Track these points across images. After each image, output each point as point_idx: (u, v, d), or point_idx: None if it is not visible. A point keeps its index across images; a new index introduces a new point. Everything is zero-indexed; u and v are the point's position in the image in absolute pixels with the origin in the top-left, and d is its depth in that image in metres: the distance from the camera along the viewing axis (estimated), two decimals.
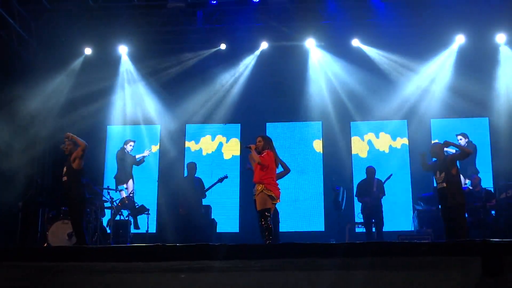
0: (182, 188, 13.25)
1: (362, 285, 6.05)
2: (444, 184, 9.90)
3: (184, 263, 6.13)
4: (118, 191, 14.16)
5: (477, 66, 14.11)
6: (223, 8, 14.11)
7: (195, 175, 13.19)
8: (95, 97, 14.75)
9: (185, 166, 13.92)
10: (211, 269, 6.13)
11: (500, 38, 13.97)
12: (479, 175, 13.53)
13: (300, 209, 14.54)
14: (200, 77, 14.92)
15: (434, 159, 10.31)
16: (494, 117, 14.42)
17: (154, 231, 14.16)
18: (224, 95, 15.10)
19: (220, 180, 12.98)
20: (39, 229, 13.26)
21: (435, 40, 14.13)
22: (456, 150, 11.01)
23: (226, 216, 14.25)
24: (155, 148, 15.39)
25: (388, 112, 14.71)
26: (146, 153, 15.27)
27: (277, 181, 9.13)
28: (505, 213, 12.33)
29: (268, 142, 9.27)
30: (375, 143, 14.97)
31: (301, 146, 15.12)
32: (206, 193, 13.08)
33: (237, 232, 14.45)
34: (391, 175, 12.82)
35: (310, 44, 14.47)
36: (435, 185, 10.83)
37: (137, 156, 15.31)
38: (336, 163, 14.65)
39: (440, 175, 9.94)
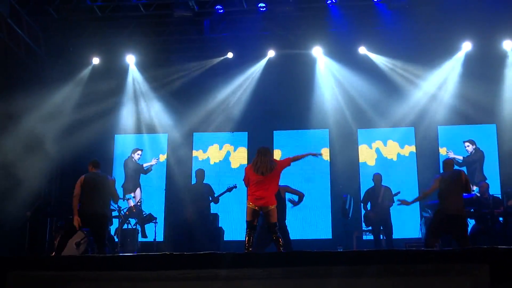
0: (190, 195, 13.26)
1: None
2: None
3: (191, 271, 6.15)
4: (125, 200, 14.19)
5: (484, 72, 14.09)
6: (230, 17, 14.15)
7: (204, 182, 13.22)
8: (103, 106, 14.79)
9: (193, 174, 13.95)
10: (218, 277, 6.15)
11: (507, 44, 13.96)
12: (486, 181, 13.46)
13: (307, 217, 14.48)
14: (207, 85, 14.95)
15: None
16: (501, 124, 14.36)
17: (162, 240, 14.16)
18: (232, 103, 15.12)
19: (229, 189, 12.93)
20: (47, 239, 13.31)
21: (442, 47, 14.14)
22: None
23: (234, 224, 14.23)
24: (162, 157, 15.41)
25: (396, 120, 14.68)
26: (153, 162, 15.29)
27: (253, 189, 8.87)
28: None
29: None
30: (383, 151, 14.93)
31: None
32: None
33: (244, 240, 14.39)
34: (398, 192, 12.76)
35: (317, 52, 14.50)
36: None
37: (144, 165, 15.34)
38: (343, 171, 14.59)
39: None
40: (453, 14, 13.53)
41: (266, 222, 9.10)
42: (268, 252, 8.79)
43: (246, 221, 8.96)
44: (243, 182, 9.08)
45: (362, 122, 14.82)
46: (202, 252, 6.46)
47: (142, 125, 15.38)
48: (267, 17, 13.92)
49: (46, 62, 14.47)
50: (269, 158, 8.94)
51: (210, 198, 13.06)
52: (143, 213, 13.39)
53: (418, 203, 13.97)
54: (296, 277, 6.14)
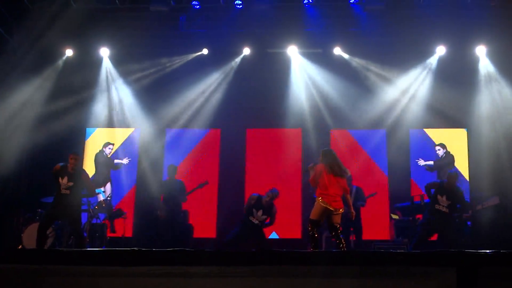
0: (162, 191, 13.18)
1: None
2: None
3: (160, 268, 6.12)
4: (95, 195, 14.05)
5: (456, 77, 14.21)
6: (206, 13, 14.12)
7: (176, 178, 13.14)
8: (75, 99, 14.64)
9: (165, 170, 13.86)
10: (187, 274, 6.11)
11: (480, 50, 14.11)
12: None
13: (278, 217, 14.48)
14: (181, 81, 14.85)
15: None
16: (472, 129, 14.51)
17: (130, 236, 14.05)
18: (205, 100, 15.05)
19: (201, 185, 12.91)
20: (14, 231, 13.13)
21: (416, 51, 14.24)
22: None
23: (203, 221, 14.19)
24: (133, 153, 15.28)
25: (368, 121, 14.73)
26: (124, 162, 15.12)
27: (331, 190, 9.38)
28: (481, 225, 12.41)
29: (322, 156, 9.78)
30: (354, 153, 14.95)
31: (280, 153, 15.07)
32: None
33: (214, 238, 14.40)
34: (375, 193, 12.83)
35: (292, 51, 14.51)
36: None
37: (115, 161, 15.19)
38: None
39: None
40: (428, 19, 13.65)
41: (331, 222, 9.41)
42: (240, 251, 8.76)
43: (314, 219, 9.31)
44: (309, 182, 9.65)
45: (336, 123, 14.82)
46: (171, 249, 6.43)
47: (115, 119, 15.22)
48: (244, 14, 13.91)
49: (18, 52, 14.26)
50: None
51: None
52: (113, 208, 13.30)
53: (387, 206, 14.09)
54: (268, 276, 6.13)
